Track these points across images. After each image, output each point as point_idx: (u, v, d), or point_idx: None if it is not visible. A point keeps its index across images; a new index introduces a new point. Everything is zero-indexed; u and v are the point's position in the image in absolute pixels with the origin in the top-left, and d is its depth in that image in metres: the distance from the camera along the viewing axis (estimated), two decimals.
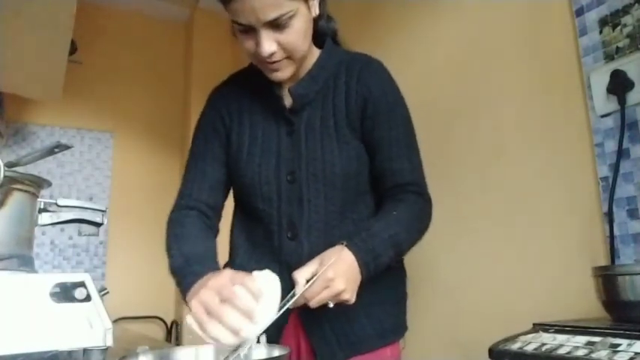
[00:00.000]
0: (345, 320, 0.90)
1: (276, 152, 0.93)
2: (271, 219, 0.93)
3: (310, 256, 0.81)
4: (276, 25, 0.81)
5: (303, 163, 0.91)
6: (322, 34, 0.97)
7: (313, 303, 0.75)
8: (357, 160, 0.92)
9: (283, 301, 0.70)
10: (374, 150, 0.93)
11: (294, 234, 0.92)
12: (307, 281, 0.75)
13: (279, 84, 0.94)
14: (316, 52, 0.96)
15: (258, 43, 0.83)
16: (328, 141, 0.91)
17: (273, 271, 0.78)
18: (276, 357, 0.64)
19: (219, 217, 1.03)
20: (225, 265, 1.00)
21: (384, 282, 0.93)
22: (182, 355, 0.69)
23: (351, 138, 0.91)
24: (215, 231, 1.01)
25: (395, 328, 0.97)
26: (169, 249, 0.92)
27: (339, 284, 0.75)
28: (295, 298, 0.73)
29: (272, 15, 0.80)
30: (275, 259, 0.93)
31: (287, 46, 0.84)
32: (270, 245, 0.94)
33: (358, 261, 0.80)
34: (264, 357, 0.65)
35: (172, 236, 0.94)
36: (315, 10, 0.89)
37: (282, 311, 0.69)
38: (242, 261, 0.98)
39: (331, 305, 0.77)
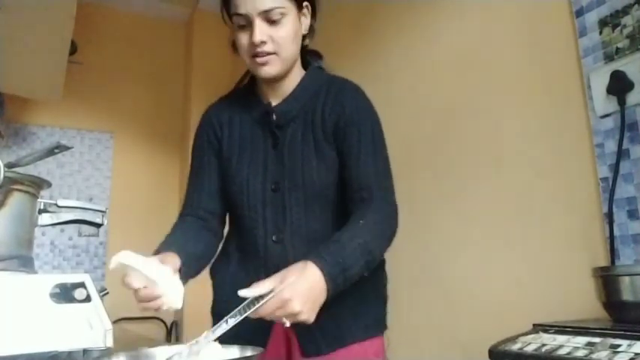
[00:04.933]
0: (330, 317, 0.92)
1: (263, 164, 1.01)
2: (257, 224, 1.00)
3: (295, 259, 0.84)
4: (269, 18, 0.92)
5: (286, 174, 0.99)
6: (308, 59, 1.07)
7: (266, 318, 0.75)
8: (333, 170, 0.98)
9: (232, 312, 0.72)
10: (344, 159, 0.98)
11: (278, 238, 0.99)
12: (262, 297, 0.74)
13: (266, 100, 1.03)
14: (301, 73, 1.05)
15: (251, 34, 0.92)
16: (307, 154, 0.98)
17: (259, 273, 0.92)
18: (248, 357, 0.64)
19: (220, 221, 1.08)
20: (214, 267, 1.08)
21: (369, 283, 0.96)
22: (155, 355, 0.69)
23: (328, 150, 0.98)
24: (214, 232, 1.06)
25: (376, 324, 1.02)
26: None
27: (295, 306, 0.74)
28: (244, 315, 0.72)
29: (267, 5, 0.91)
30: (262, 263, 0.99)
31: (277, 40, 0.94)
32: (257, 250, 1.00)
33: (325, 276, 0.79)
34: (237, 356, 0.65)
35: (165, 236, 1.00)
36: (305, 28, 1.01)
37: (232, 322, 0.70)
38: (233, 267, 1.05)
39: (287, 324, 0.77)
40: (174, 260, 0.87)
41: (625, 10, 1.07)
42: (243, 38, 0.95)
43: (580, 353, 0.66)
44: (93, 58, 3.15)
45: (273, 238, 0.99)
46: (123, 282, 0.79)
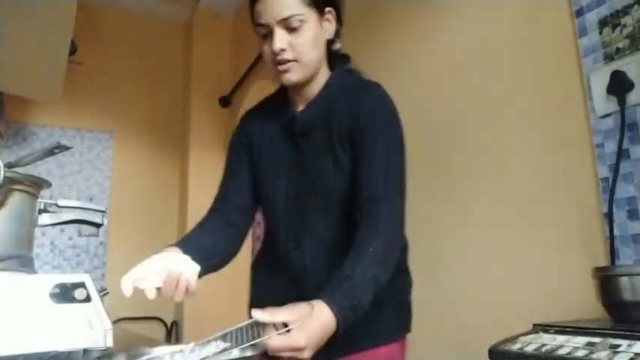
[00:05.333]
0: None
1: (286, 171, 1.04)
2: (279, 230, 1.04)
3: (312, 265, 0.90)
4: (289, 25, 0.94)
5: (306, 181, 1.01)
6: (334, 60, 1.07)
7: (270, 354, 0.75)
8: (349, 178, 0.98)
9: (227, 332, 0.73)
10: (356, 165, 0.97)
11: (297, 244, 1.01)
12: (263, 325, 0.74)
13: (295, 107, 1.05)
14: (326, 78, 1.05)
15: (272, 42, 0.95)
16: (325, 161, 0.99)
17: (281, 277, 0.98)
18: (248, 357, 0.64)
19: (246, 216, 1.10)
20: (253, 263, 1.14)
21: (384, 290, 0.95)
22: (155, 355, 0.69)
23: (344, 157, 0.98)
24: (237, 227, 1.08)
25: (392, 331, 1.01)
26: None
27: (305, 354, 0.75)
28: (255, 347, 0.71)
29: (285, 13, 0.93)
30: (283, 267, 1.03)
31: (296, 47, 0.95)
32: (279, 254, 1.04)
33: (337, 317, 0.79)
34: (237, 356, 0.66)
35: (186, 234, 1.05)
36: (330, 33, 1.02)
37: (223, 346, 0.70)
38: (260, 267, 1.11)
39: None
40: (174, 250, 0.90)
41: (625, 10, 1.07)
42: (265, 47, 0.97)
43: (580, 353, 0.66)
44: (93, 58, 3.15)
45: (293, 244, 1.01)
46: (148, 297, 0.82)
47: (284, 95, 1.09)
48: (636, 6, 1.05)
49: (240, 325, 0.74)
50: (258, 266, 1.13)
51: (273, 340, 0.72)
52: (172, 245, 0.94)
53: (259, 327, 0.73)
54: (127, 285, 0.80)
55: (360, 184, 0.95)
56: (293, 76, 0.98)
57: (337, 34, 1.04)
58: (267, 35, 0.96)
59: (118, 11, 3.35)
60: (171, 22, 3.54)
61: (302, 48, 0.95)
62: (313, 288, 0.89)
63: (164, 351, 0.71)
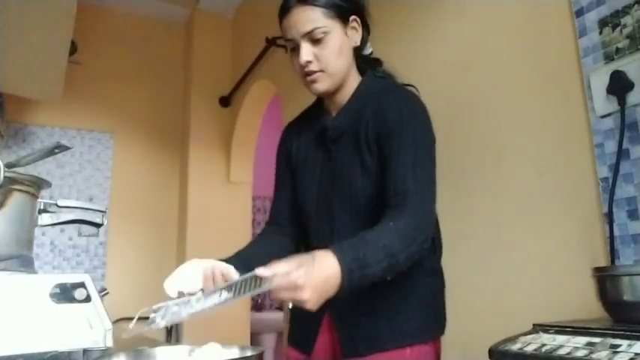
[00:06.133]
0: (369, 322, 0.99)
1: (318, 177, 1.08)
2: (311, 234, 1.08)
3: None
4: (313, 38, 0.98)
5: (335, 186, 1.04)
6: (365, 65, 1.10)
7: (272, 295, 0.76)
8: (376, 181, 0.99)
9: (230, 284, 0.78)
10: (384, 166, 0.98)
11: (326, 246, 0.99)
12: (261, 279, 0.76)
13: (329, 115, 1.09)
14: (357, 81, 1.07)
15: (299, 55, 0.99)
16: (354, 165, 1.02)
17: None
18: (248, 357, 0.65)
19: (297, 226, 1.15)
20: None
21: (408, 288, 0.99)
22: (156, 355, 0.69)
23: (371, 161, 1.00)
24: (291, 237, 1.15)
25: (415, 332, 0.99)
26: None
27: (305, 294, 0.74)
28: (255, 291, 0.74)
29: (308, 27, 0.97)
30: None
31: (322, 59, 0.99)
32: None
33: (342, 268, 0.79)
34: (237, 356, 0.66)
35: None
36: (356, 41, 1.04)
37: (225, 296, 0.77)
38: None
39: (290, 306, 0.79)
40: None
41: (625, 10, 1.07)
42: (294, 60, 1.02)
43: (580, 353, 0.66)
44: (93, 58, 3.15)
45: (322, 246, 0.98)
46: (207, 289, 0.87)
47: (320, 105, 1.13)
48: (636, 6, 1.05)
49: (244, 277, 0.76)
50: None
51: (273, 280, 0.73)
52: (230, 257, 0.99)
53: (261, 280, 0.74)
54: (171, 287, 0.86)
55: (388, 181, 0.95)
56: (321, 85, 1.02)
57: (364, 40, 1.07)
58: (295, 49, 1.01)
59: (118, 11, 3.35)
60: (171, 22, 3.54)
61: (327, 59, 0.99)
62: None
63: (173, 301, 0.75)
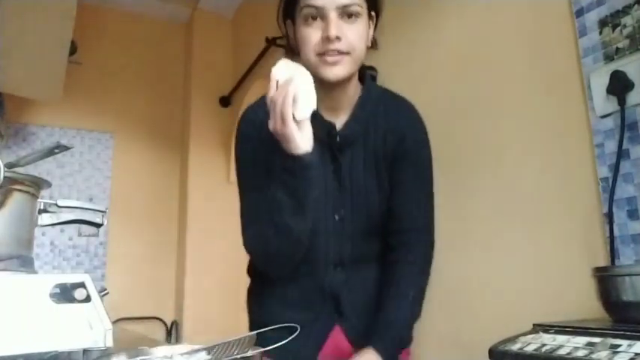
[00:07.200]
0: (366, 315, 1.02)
1: (324, 190, 0.96)
2: (319, 251, 0.99)
3: (352, 286, 0.98)
4: (348, 12, 0.87)
5: (349, 202, 0.98)
6: (364, 71, 1.04)
7: None
8: (387, 198, 1.01)
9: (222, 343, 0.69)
10: (394, 187, 0.99)
11: (339, 264, 1.01)
12: None
13: (322, 114, 0.95)
14: (357, 86, 1.01)
15: (325, 29, 0.86)
16: (371, 183, 0.98)
17: (316, 297, 0.99)
18: (248, 357, 0.64)
19: None
20: (253, 292, 1.10)
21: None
22: (156, 355, 0.69)
23: (385, 178, 0.99)
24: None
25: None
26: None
27: None
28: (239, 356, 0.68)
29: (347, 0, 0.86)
30: (318, 288, 1.01)
31: (349, 39, 0.87)
32: (317, 274, 1.01)
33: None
34: (237, 356, 0.65)
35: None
36: (369, 39, 0.95)
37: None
38: (282, 290, 1.02)
39: None
40: None
41: (625, 10, 1.07)
42: (312, 33, 0.87)
43: (580, 353, 0.66)
44: (93, 58, 3.15)
45: (334, 264, 1.01)
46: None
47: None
48: (636, 6, 1.05)
49: (230, 339, 0.72)
50: (267, 290, 1.05)
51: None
52: None
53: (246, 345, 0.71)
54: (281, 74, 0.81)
55: (400, 211, 0.99)
56: (341, 70, 0.88)
57: (374, 42, 0.99)
58: (316, 20, 0.86)
59: (117, 11, 3.35)
60: (171, 22, 3.54)
61: (354, 41, 0.87)
62: (350, 307, 0.99)
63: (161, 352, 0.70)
